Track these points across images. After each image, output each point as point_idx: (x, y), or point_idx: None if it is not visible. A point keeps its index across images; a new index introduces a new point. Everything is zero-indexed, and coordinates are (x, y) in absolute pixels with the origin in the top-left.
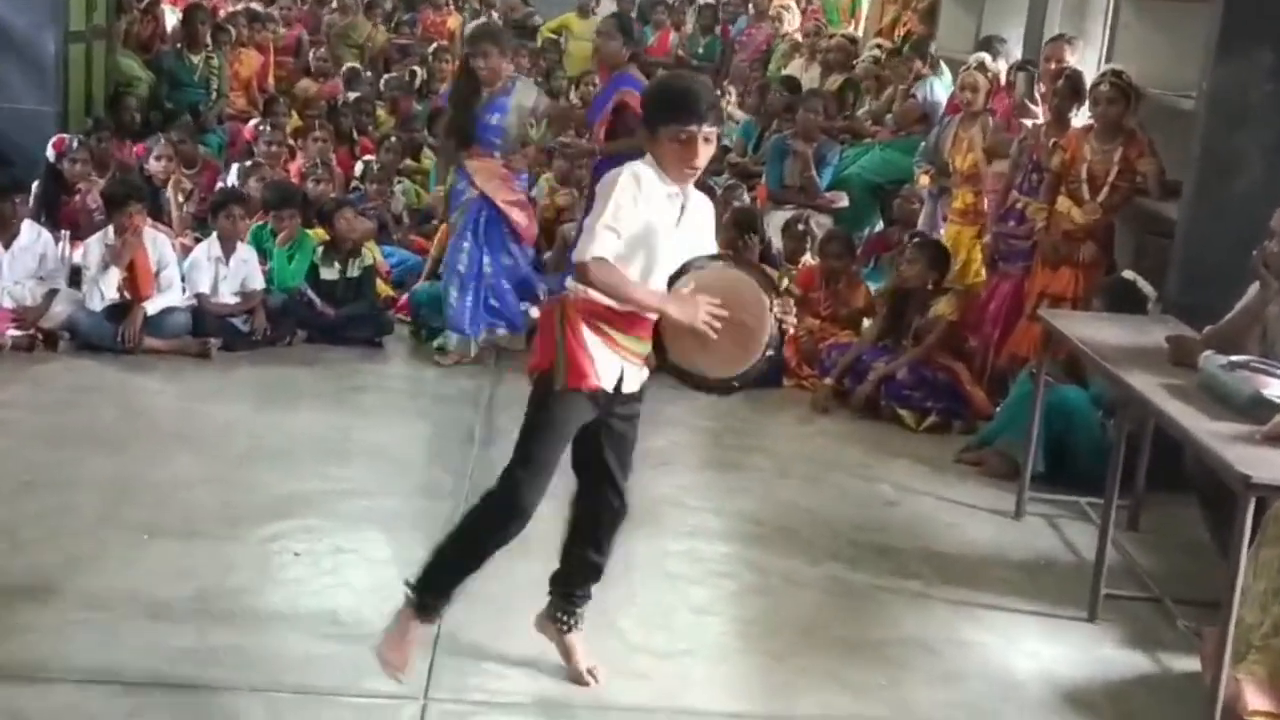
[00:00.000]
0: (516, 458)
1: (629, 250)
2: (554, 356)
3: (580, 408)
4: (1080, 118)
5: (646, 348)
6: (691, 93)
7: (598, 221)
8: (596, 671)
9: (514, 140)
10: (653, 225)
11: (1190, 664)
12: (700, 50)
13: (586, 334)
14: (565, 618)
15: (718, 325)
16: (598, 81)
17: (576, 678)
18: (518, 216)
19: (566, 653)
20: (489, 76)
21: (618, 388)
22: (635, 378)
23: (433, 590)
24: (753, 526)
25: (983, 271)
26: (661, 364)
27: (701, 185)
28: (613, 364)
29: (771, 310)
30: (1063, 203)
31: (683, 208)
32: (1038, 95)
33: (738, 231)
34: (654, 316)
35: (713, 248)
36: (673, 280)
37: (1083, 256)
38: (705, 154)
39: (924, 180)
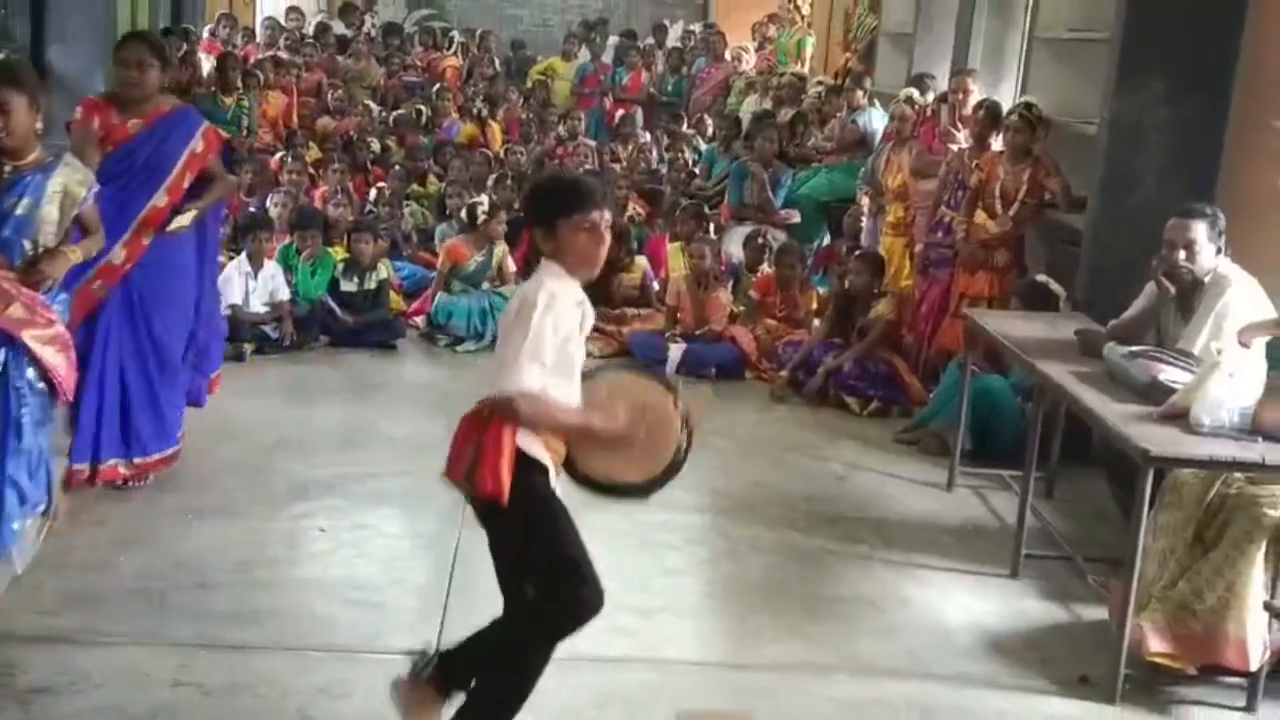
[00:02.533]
0: (558, 563)
1: (552, 374)
2: (509, 469)
3: (551, 494)
4: (998, 143)
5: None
6: (583, 182)
7: (520, 352)
8: None
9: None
10: (568, 338)
11: (1099, 613)
12: (669, 88)
13: (523, 439)
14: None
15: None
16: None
17: None
18: (52, 359)
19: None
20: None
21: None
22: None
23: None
24: (720, 500)
25: (912, 276)
26: (572, 476)
27: (672, 204)
28: (551, 463)
29: (678, 413)
30: (980, 216)
31: (584, 312)
32: (958, 121)
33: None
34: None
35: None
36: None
37: (997, 262)
38: (607, 242)
39: (864, 201)
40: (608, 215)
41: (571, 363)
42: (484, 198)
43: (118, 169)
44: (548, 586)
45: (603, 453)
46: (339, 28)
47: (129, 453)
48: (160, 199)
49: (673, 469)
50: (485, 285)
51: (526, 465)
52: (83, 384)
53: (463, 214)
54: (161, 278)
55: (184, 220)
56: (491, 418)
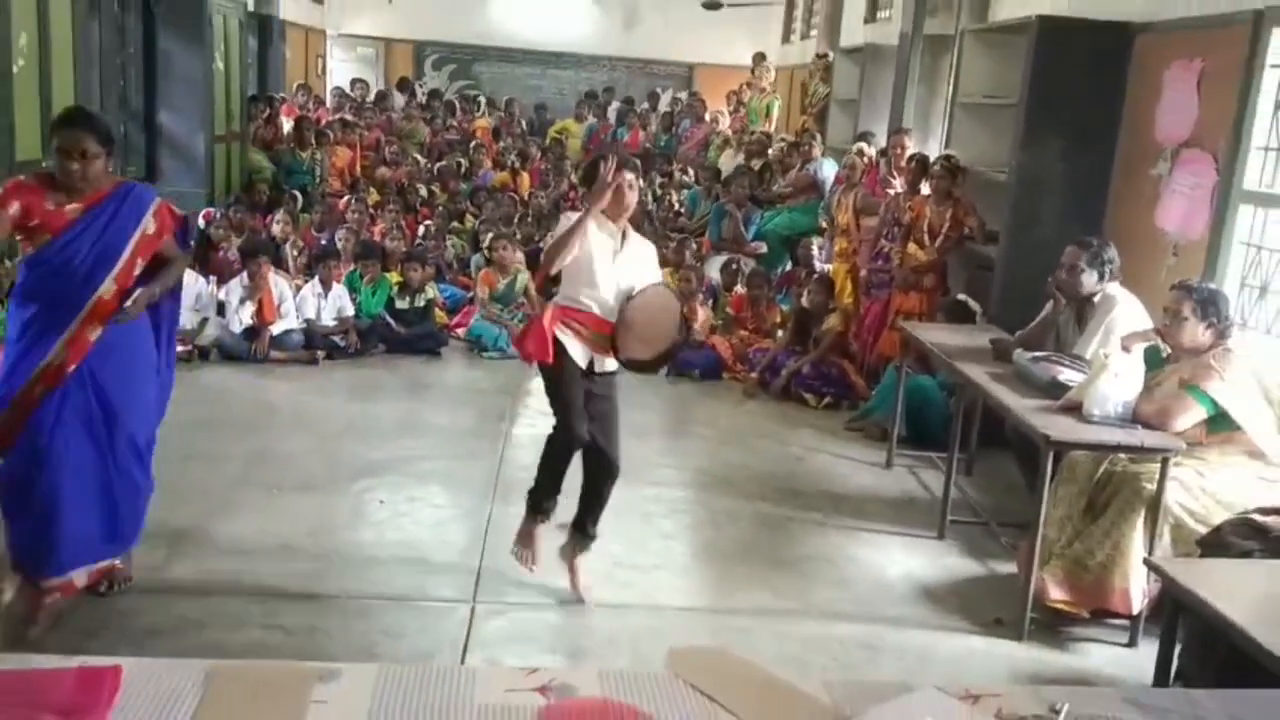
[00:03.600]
0: (555, 411)
1: (582, 283)
2: (547, 347)
3: (572, 373)
4: (926, 188)
5: (606, 341)
6: (608, 158)
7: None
8: (588, 590)
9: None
10: (593, 256)
11: (1009, 568)
12: (661, 144)
13: (560, 330)
14: (575, 548)
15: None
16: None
17: (575, 591)
18: None
19: (573, 574)
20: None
21: (591, 366)
22: (602, 362)
23: (539, 500)
24: (702, 477)
25: (855, 295)
26: (616, 359)
27: (662, 237)
28: (583, 351)
29: (681, 314)
30: (911, 247)
31: (614, 248)
32: (894, 171)
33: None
34: (611, 320)
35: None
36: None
37: (926, 284)
38: (633, 198)
39: (824, 226)
40: (629, 176)
41: (593, 275)
42: (487, 238)
43: (58, 260)
44: (556, 422)
45: (629, 339)
46: (397, 96)
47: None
48: (107, 289)
49: (672, 350)
50: (510, 305)
51: (560, 350)
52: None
53: (485, 250)
54: (119, 361)
55: (133, 308)
56: (539, 312)
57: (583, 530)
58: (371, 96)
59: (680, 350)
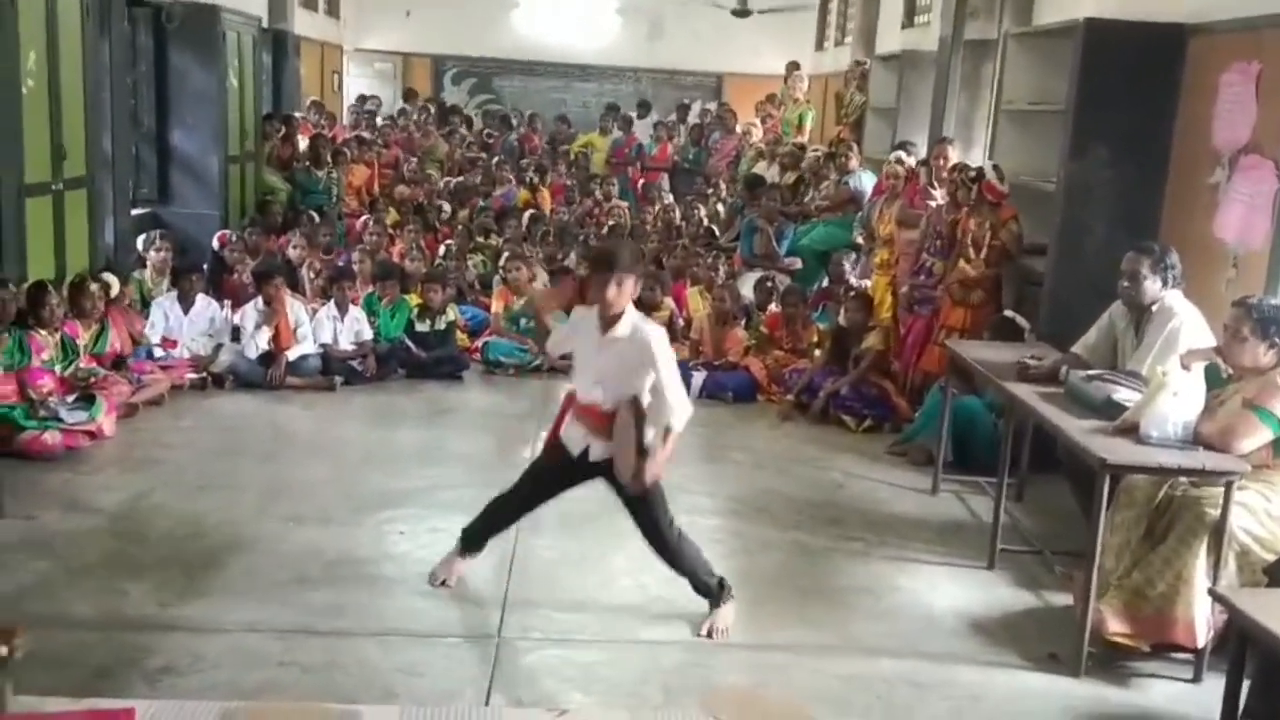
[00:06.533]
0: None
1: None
2: (554, 432)
3: (555, 454)
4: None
5: (599, 430)
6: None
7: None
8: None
9: None
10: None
11: (1065, 599)
12: (690, 156)
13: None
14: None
15: None
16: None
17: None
18: None
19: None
20: None
21: (584, 454)
22: (600, 451)
23: (469, 533)
24: (736, 504)
25: (894, 309)
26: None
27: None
28: (578, 436)
29: (635, 460)
30: (961, 262)
31: (582, 331)
32: (934, 181)
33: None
34: (602, 409)
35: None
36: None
37: (974, 300)
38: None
39: (859, 239)
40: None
41: (581, 360)
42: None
43: None
44: None
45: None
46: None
47: None
48: None
49: (631, 486)
50: (524, 321)
51: (556, 437)
52: None
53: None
54: None
55: None
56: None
57: (709, 600)
58: (394, 111)
59: (636, 492)
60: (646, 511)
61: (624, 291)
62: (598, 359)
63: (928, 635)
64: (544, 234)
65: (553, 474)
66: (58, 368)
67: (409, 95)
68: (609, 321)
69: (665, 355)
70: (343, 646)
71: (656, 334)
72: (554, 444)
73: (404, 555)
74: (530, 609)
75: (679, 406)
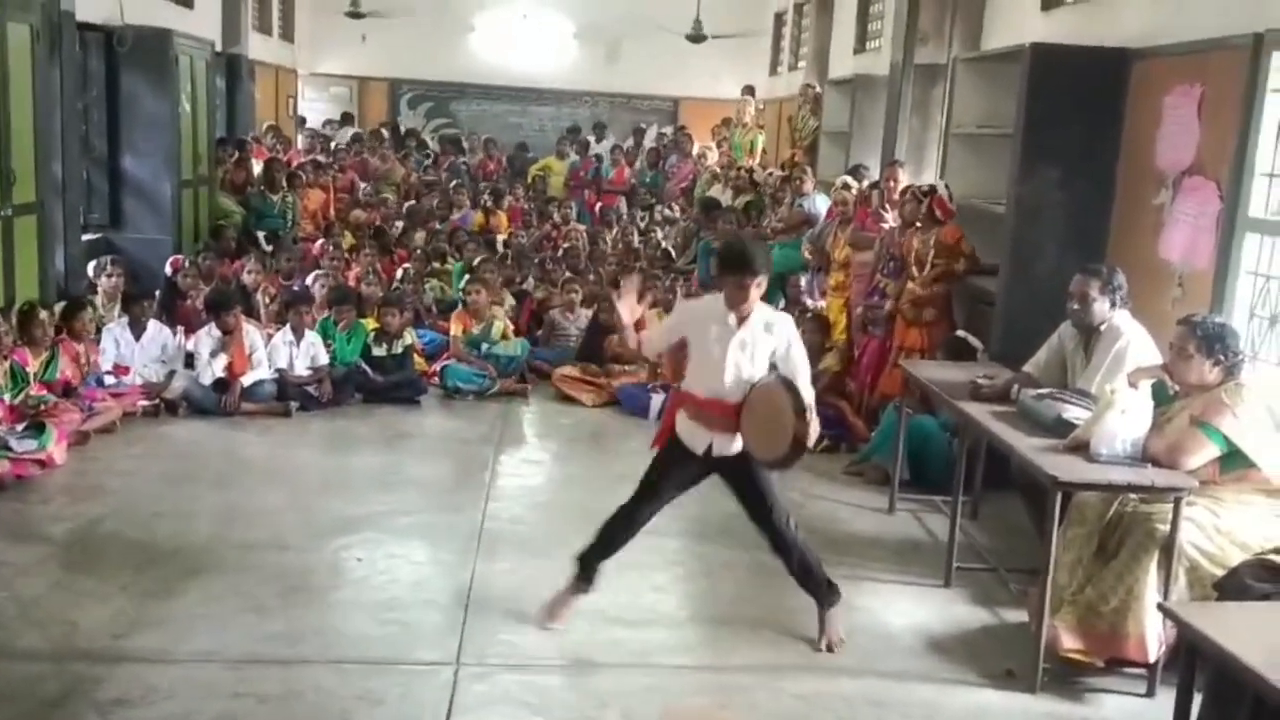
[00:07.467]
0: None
1: (694, 363)
2: (663, 436)
3: (673, 456)
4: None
5: (725, 424)
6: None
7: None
8: (839, 643)
9: None
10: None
11: (1019, 616)
12: (647, 179)
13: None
14: (822, 617)
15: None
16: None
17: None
18: None
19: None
20: None
21: (708, 451)
22: (724, 447)
23: (586, 559)
24: (697, 526)
25: (848, 331)
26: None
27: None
28: (698, 434)
29: (794, 424)
30: (910, 282)
31: (718, 330)
32: (885, 204)
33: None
34: (728, 402)
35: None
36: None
37: (926, 318)
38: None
39: (806, 255)
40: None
41: (705, 356)
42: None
43: None
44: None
45: (749, 432)
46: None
47: None
48: None
49: (785, 459)
50: (485, 346)
51: (673, 435)
52: None
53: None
54: None
55: None
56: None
57: (817, 601)
58: (348, 138)
59: (790, 463)
60: (768, 510)
61: (760, 290)
62: (734, 353)
63: (886, 654)
64: (502, 257)
65: (673, 478)
66: (7, 396)
67: (345, 119)
68: (744, 316)
69: (797, 336)
70: (299, 675)
71: (788, 318)
72: (667, 449)
73: (361, 581)
74: (489, 634)
75: (806, 382)
